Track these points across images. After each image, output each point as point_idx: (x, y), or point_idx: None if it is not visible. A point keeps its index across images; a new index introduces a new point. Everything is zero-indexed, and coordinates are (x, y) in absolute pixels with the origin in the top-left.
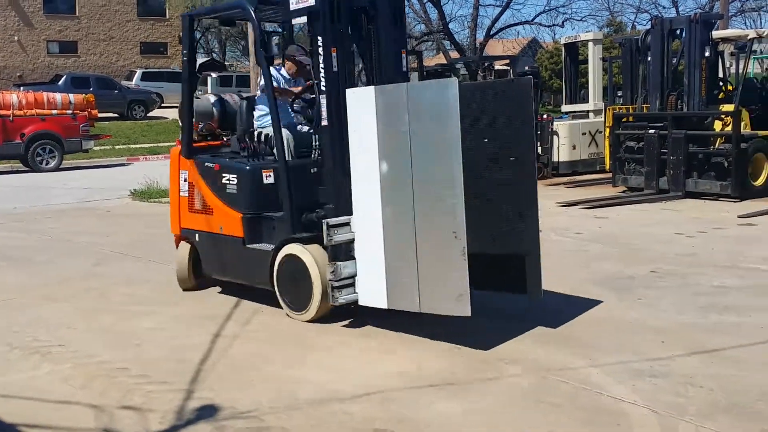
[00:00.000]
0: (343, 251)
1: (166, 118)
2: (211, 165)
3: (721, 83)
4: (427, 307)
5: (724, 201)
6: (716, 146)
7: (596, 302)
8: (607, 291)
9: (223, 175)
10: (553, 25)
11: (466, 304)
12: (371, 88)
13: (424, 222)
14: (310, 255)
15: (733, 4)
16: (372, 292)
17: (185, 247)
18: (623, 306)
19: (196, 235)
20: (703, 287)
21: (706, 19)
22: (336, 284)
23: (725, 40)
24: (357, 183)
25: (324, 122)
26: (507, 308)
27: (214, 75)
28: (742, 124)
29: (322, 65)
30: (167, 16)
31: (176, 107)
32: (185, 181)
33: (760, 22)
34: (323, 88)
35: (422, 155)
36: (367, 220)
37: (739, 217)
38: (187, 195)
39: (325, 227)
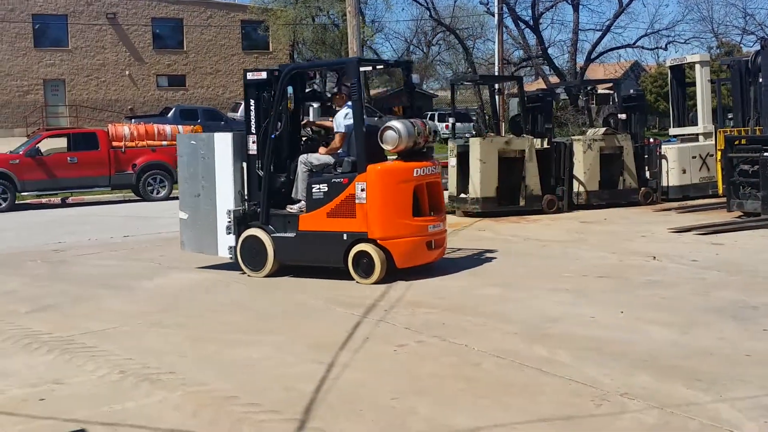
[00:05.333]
0: None
1: None
2: None
3: None
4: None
5: None
6: None
7: (715, 332)
8: (728, 321)
9: None
10: (656, 48)
11: None
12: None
13: None
14: None
15: None
16: None
17: None
18: (746, 337)
19: None
20: None
21: None
22: None
23: None
24: None
25: None
26: (611, 339)
27: None
28: None
29: None
30: (270, 49)
31: None
32: None
33: None
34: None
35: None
36: None
37: None
38: None
39: None
